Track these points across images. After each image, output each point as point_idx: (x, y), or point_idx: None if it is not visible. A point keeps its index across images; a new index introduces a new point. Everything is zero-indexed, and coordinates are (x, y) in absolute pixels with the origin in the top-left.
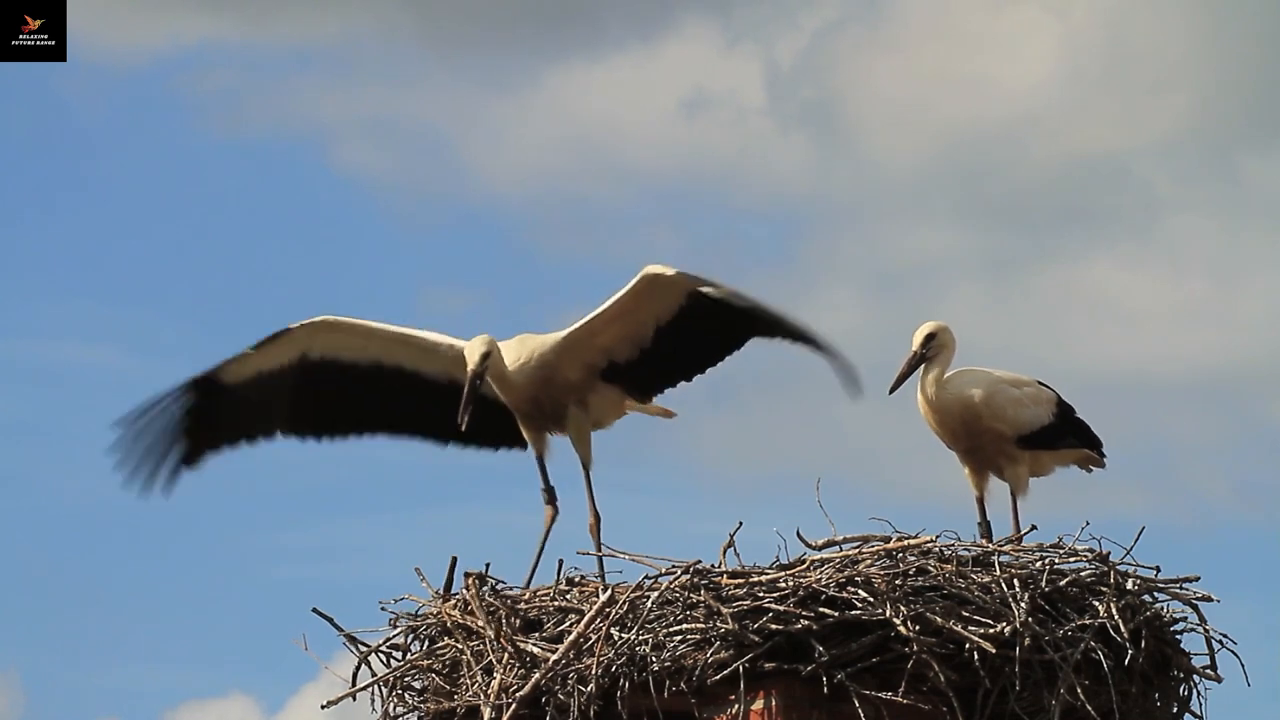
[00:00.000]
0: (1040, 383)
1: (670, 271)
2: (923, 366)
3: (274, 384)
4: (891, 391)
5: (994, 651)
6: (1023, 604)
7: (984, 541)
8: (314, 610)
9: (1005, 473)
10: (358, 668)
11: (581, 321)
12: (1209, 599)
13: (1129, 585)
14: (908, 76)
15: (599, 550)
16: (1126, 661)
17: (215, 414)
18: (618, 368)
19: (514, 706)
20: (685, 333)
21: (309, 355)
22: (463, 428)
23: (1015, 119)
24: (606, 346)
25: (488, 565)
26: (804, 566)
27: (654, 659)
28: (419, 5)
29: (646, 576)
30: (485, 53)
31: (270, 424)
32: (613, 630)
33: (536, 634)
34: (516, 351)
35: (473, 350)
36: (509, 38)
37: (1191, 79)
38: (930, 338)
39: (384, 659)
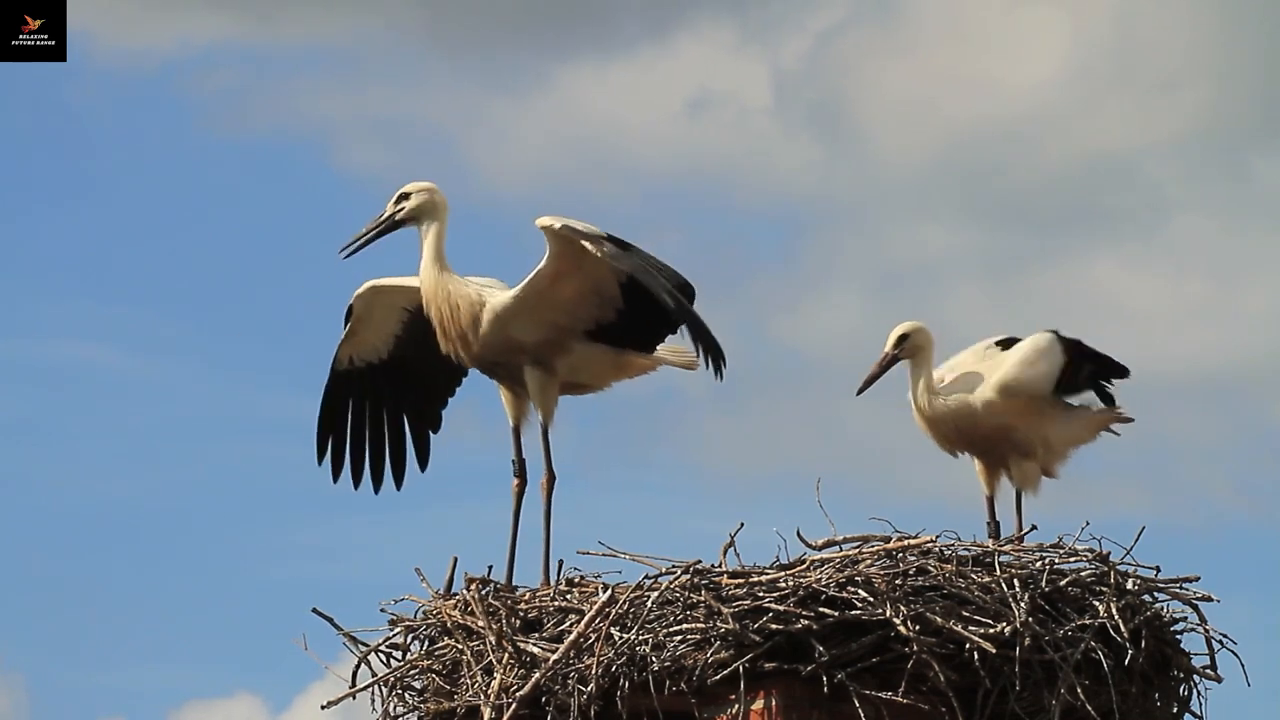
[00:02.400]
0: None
1: (557, 224)
2: (910, 374)
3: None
4: (859, 393)
5: (994, 651)
6: (1023, 604)
7: (984, 541)
8: (314, 610)
9: (1013, 470)
10: (357, 668)
11: (524, 281)
12: (1209, 599)
13: (1129, 585)
14: (913, 77)
15: (547, 505)
16: (1126, 661)
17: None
18: (594, 330)
19: (514, 706)
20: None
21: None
22: (342, 256)
23: (1023, 119)
24: (567, 306)
25: (490, 568)
26: (804, 566)
27: (654, 659)
28: (428, 5)
29: (646, 576)
30: (494, 53)
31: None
32: (613, 630)
33: (536, 634)
34: (464, 279)
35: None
36: (519, 37)
37: (1201, 78)
38: (904, 338)
39: (384, 659)
